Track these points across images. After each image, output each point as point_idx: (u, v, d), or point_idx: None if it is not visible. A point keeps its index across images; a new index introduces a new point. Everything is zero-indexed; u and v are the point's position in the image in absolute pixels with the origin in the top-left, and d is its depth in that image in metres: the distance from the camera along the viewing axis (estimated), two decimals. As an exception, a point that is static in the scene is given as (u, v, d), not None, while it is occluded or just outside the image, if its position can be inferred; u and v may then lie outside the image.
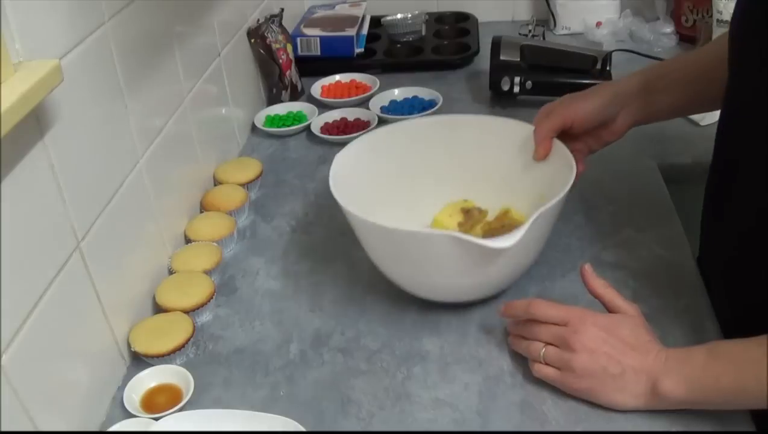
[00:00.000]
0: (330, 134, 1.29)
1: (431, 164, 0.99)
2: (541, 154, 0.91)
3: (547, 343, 0.76)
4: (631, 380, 0.72)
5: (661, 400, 0.71)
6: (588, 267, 0.80)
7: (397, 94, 1.40)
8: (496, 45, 1.36)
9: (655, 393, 0.70)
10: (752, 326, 0.68)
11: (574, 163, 0.85)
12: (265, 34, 1.38)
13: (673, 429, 0.72)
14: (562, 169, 0.86)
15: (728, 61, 0.76)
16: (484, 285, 0.86)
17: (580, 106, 0.90)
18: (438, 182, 0.99)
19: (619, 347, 0.73)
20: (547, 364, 0.76)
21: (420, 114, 1.32)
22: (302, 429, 0.72)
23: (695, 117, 1.22)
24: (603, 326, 0.75)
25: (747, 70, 0.73)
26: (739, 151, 0.77)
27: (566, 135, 0.91)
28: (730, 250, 0.81)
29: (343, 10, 1.68)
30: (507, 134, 0.97)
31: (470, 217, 0.95)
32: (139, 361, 0.85)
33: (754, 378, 0.65)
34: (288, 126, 1.33)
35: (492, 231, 0.93)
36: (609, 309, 0.78)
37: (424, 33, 1.65)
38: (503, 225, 0.94)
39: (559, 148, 0.90)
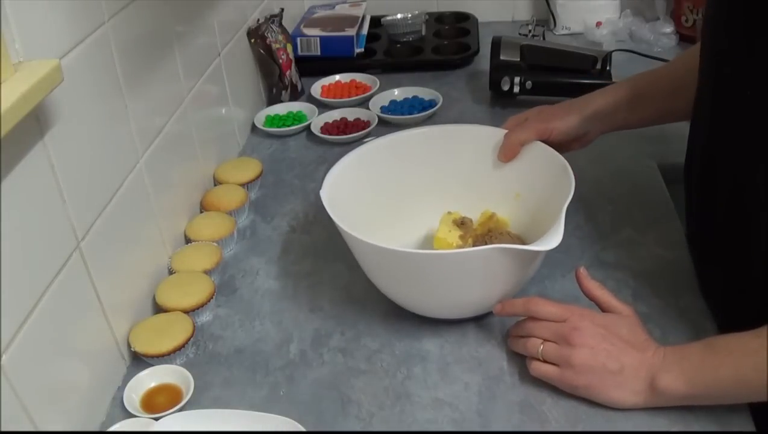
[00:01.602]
0: (330, 134, 1.29)
1: (409, 181, 0.99)
2: (507, 159, 0.94)
3: (546, 340, 0.76)
4: (630, 377, 0.72)
5: (661, 396, 0.71)
6: (583, 270, 0.81)
7: (397, 94, 1.40)
8: (496, 45, 1.36)
9: (654, 390, 0.71)
10: (744, 307, 0.68)
11: (561, 158, 0.87)
12: (265, 34, 1.38)
13: (673, 429, 0.72)
14: (539, 166, 0.89)
15: (699, 69, 0.79)
16: (498, 295, 0.84)
17: (556, 125, 0.93)
18: (417, 195, 0.98)
19: (618, 344, 0.73)
20: (545, 361, 0.76)
21: (420, 113, 1.32)
22: (302, 429, 0.72)
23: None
24: (601, 324, 0.75)
25: (720, 75, 0.75)
26: (712, 150, 0.80)
27: None
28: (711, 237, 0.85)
29: (343, 10, 1.68)
30: (472, 140, 0.98)
31: (465, 227, 0.95)
32: (139, 361, 0.85)
33: (753, 369, 0.65)
34: (288, 126, 1.33)
35: (480, 238, 0.93)
36: (604, 310, 0.79)
37: (424, 33, 1.66)
38: (490, 229, 0.94)
39: (538, 148, 0.91)
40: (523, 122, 0.94)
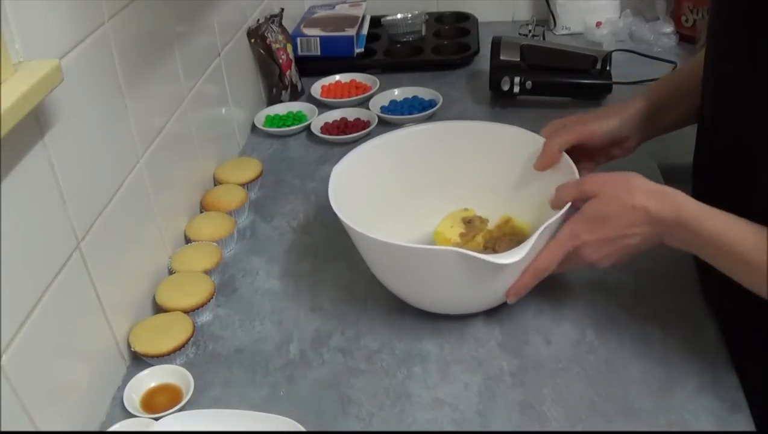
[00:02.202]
0: (330, 134, 1.29)
1: (431, 173, 0.98)
2: (545, 166, 0.91)
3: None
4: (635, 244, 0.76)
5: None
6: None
7: (397, 94, 1.40)
8: (496, 45, 1.36)
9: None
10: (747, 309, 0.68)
11: (578, 177, 0.85)
12: (265, 34, 1.38)
13: (673, 430, 0.72)
14: (565, 180, 0.85)
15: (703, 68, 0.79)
16: (488, 298, 0.85)
17: (597, 126, 0.90)
18: (438, 191, 0.98)
19: (614, 237, 0.76)
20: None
21: (420, 113, 1.32)
22: (302, 429, 0.72)
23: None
24: (590, 222, 0.78)
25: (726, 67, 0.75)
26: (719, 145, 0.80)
27: (576, 150, 0.91)
28: None
29: (343, 10, 1.68)
30: (507, 141, 0.96)
31: (472, 226, 0.95)
32: (139, 361, 0.85)
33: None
34: (288, 126, 1.33)
35: (494, 240, 0.93)
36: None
37: (424, 33, 1.65)
38: (504, 233, 0.94)
39: (564, 160, 0.89)
40: (561, 128, 0.92)
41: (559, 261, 0.80)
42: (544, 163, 0.90)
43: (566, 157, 0.88)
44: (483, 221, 0.96)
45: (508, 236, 0.93)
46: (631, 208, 0.74)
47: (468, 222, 0.95)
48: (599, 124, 0.91)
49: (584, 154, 0.92)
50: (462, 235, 0.94)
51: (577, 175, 0.85)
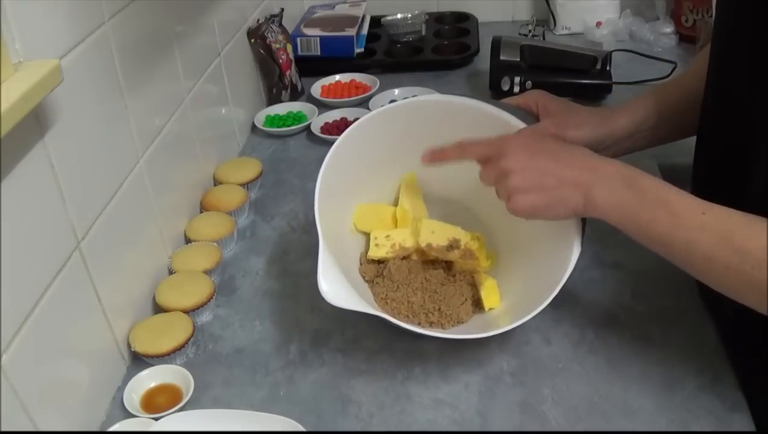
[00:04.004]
0: (330, 134, 1.29)
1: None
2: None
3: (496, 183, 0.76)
4: (569, 189, 0.72)
5: (595, 211, 0.72)
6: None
7: (397, 94, 1.40)
8: (496, 45, 1.37)
9: (589, 201, 0.71)
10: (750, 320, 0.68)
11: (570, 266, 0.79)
12: (265, 34, 1.38)
13: (673, 429, 0.72)
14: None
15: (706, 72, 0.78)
16: None
17: (570, 135, 0.88)
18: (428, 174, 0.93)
19: (550, 161, 0.73)
20: (503, 200, 0.76)
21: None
22: (302, 429, 0.72)
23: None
24: (527, 143, 0.75)
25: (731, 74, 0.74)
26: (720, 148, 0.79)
27: None
28: None
29: (343, 10, 1.68)
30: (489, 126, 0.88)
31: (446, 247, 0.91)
32: (139, 361, 0.85)
33: (685, 244, 0.67)
34: (288, 126, 1.33)
35: (426, 255, 0.91)
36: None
37: (424, 33, 1.65)
38: (467, 252, 0.90)
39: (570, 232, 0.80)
40: (541, 123, 0.90)
41: (483, 158, 0.77)
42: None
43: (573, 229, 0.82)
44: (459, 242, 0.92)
45: (470, 260, 0.90)
46: (576, 148, 0.75)
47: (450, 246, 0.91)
48: (575, 131, 0.88)
49: None
50: (388, 237, 0.92)
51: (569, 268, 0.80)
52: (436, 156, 0.80)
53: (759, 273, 0.62)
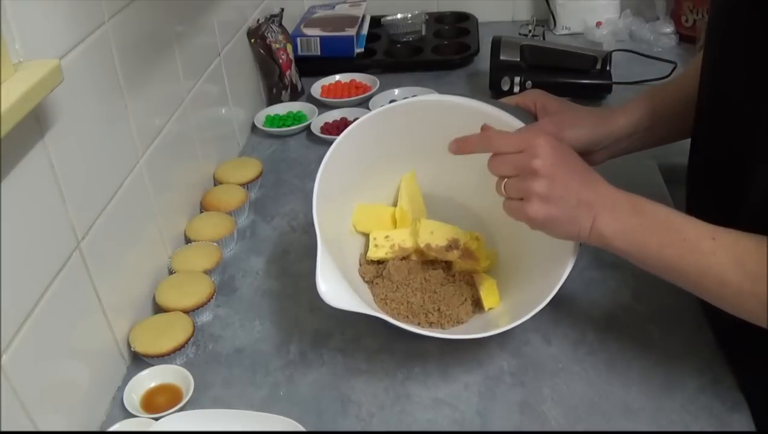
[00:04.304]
0: (330, 134, 1.29)
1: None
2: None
3: (510, 176, 0.73)
4: (584, 212, 0.70)
5: (599, 239, 0.70)
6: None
7: (397, 94, 1.41)
8: (496, 45, 1.37)
9: (594, 229, 0.70)
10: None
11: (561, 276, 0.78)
12: (265, 34, 1.38)
13: (673, 429, 0.72)
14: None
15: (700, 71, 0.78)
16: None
17: (567, 134, 0.87)
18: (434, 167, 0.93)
19: (575, 176, 0.71)
20: (510, 198, 0.73)
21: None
22: (302, 429, 0.72)
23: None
24: (560, 150, 0.72)
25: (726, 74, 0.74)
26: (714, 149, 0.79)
27: None
28: None
29: (343, 10, 1.69)
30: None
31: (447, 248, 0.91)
32: (139, 361, 0.85)
33: (695, 267, 0.66)
34: (288, 126, 1.33)
35: (424, 254, 0.91)
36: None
37: (424, 33, 1.66)
38: (466, 252, 0.90)
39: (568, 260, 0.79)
40: (538, 122, 0.90)
41: (509, 152, 0.73)
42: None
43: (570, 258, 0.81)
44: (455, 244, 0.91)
45: (469, 261, 0.90)
46: (591, 170, 0.73)
47: (450, 245, 0.91)
48: (571, 130, 0.87)
49: None
50: (387, 238, 0.92)
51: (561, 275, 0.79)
52: (461, 146, 0.77)
53: None
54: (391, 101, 1.38)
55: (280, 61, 1.40)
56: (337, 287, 0.76)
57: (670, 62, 1.44)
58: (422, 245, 0.90)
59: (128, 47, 0.88)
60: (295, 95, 1.45)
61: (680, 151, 0.94)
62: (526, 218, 0.72)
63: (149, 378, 0.82)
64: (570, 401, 0.76)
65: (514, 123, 0.85)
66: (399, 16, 1.63)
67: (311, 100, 1.43)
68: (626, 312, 0.87)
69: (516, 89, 1.32)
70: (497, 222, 0.92)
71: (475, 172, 0.79)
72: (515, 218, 0.74)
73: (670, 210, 0.70)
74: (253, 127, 1.36)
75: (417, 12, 1.64)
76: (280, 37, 1.41)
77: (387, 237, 0.92)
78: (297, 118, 1.36)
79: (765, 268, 0.63)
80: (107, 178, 0.83)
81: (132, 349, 0.84)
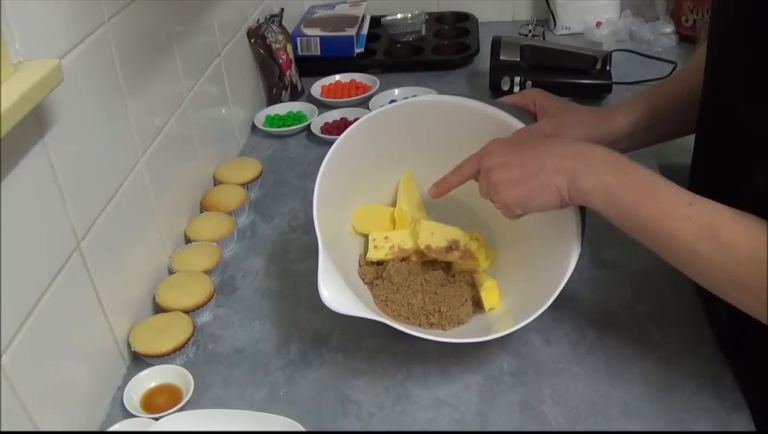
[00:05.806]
0: (330, 134, 1.29)
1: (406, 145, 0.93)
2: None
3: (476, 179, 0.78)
4: (552, 174, 0.71)
5: (582, 198, 0.71)
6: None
7: (397, 94, 1.41)
8: (496, 45, 1.37)
9: (575, 187, 0.71)
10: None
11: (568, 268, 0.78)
12: (265, 34, 1.38)
13: (673, 429, 0.72)
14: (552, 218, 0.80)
15: (705, 67, 0.77)
16: None
17: (567, 134, 0.87)
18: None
19: (530, 150, 0.73)
20: (492, 201, 0.76)
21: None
22: (302, 429, 0.72)
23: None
24: (507, 141, 0.76)
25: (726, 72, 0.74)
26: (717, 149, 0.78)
27: None
28: None
29: (343, 10, 1.69)
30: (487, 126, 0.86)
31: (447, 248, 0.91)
32: (139, 361, 0.85)
33: (668, 233, 0.66)
34: (288, 126, 1.33)
35: (424, 255, 0.91)
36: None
37: (424, 33, 1.66)
38: (466, 252, 0.90)
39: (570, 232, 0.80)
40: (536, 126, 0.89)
41: (471, 175, 0.79)
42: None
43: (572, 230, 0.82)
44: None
45: (469, 261, 0.90)
46: (561, 139, 0.76)
47: (450, 247, 0.91)
48: (574, 131, 0.88)
49: None
50: (387, 239, 0.92)
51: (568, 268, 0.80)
52: (441, 188, 0.81)
53: (743, 270, 0.61)
54: (391, 101, 1.38)
55: (280, 61, 1.40)
56: (339, 292, 0.76)
57: (670, 62, 1.44)
58: (422, 246, 0.90)
59: (128, 47, 0.88)
60: (295, 95, 1.45)
61: (680, 151, 0.94)
62: (504, 208, 0.75)
63: (149, 378, 0.82)
64: (570, 401, 0.76)
65: (513, 123, 0.85)
66: (399, 16, 1.63)
67: (311, 100, 1.43)
68: (626, 312, 0.87)
69: (516, 89, 1.32)
70: (497, 222, 0.92)
71: None
72: (507, 216, 0.76)
73: (652, 173, 0.69)
74: (253, 127, 1.36)
75: (417, 12, 1.64)
76: (280, 37, 1.41)
77: (386, 238, 0.92)
78: (297, 118, 1.36)
79: (740, 240, 0.61)
80: (107, 178, 0.83)
81: (132, 349, 0.84)
